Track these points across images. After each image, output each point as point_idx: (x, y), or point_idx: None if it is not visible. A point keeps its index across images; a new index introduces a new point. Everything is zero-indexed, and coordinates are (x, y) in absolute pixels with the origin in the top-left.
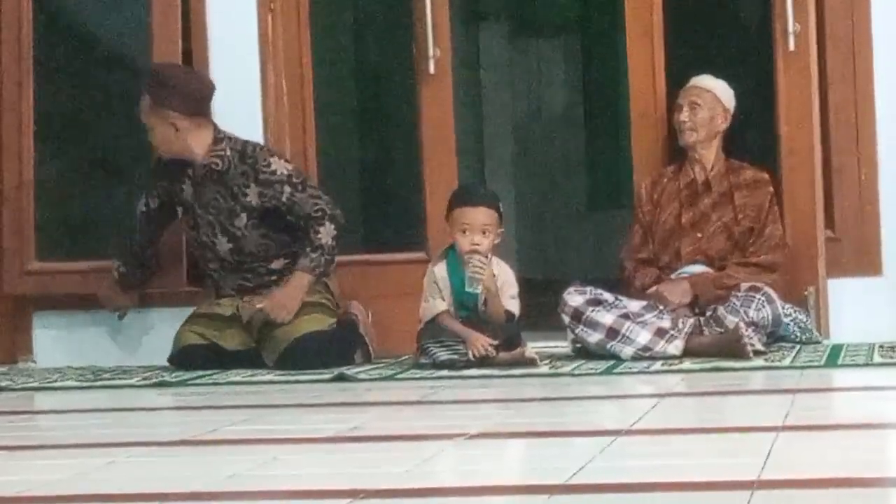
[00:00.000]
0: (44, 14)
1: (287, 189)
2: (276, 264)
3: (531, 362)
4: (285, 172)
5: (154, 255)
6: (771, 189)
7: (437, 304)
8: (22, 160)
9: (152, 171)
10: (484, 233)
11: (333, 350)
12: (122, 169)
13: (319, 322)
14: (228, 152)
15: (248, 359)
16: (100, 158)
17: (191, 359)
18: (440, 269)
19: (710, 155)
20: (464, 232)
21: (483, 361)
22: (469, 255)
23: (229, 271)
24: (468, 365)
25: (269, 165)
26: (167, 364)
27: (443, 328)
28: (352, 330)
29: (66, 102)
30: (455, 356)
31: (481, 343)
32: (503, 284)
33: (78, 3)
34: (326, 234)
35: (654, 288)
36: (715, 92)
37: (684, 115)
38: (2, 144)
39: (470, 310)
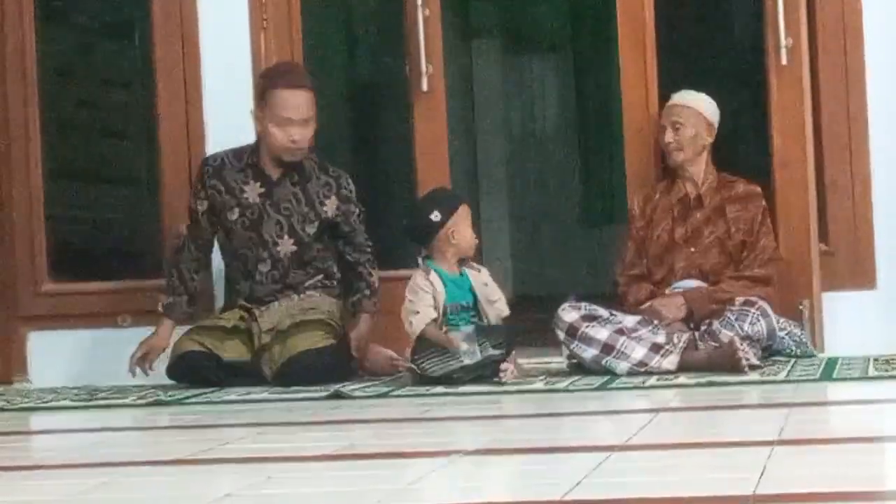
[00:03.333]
0: (48, 43)
1: (355, 212)
2: (311, 281)
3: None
4: (356, 198)
5: (199, 272)
6: (763, 202)
7: (430, 312)
8: (31, 185)
9: (201, 172)
10: None
11: (330, 368)
12: (131, 191)
13: (318, 339)
14: (312, 162)
15: (246, 371)
16: (109, 181)
17: (189, 366)
18: (435, 279)
19: (699, 170)
20: (470, 226)
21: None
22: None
23: (275, 279)
24: (464, 377)
25: (349, 184)
26: (166, 376)
27: (430, 341)
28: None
29: (73, 128)
30: (450, 367)
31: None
32: (489, 284)
33: (81, 31)
34: (376, 277)
35: (648, 303)
36: (696, 108)
37: (669, 136)
38: (11, 170)
39: (464, 310)
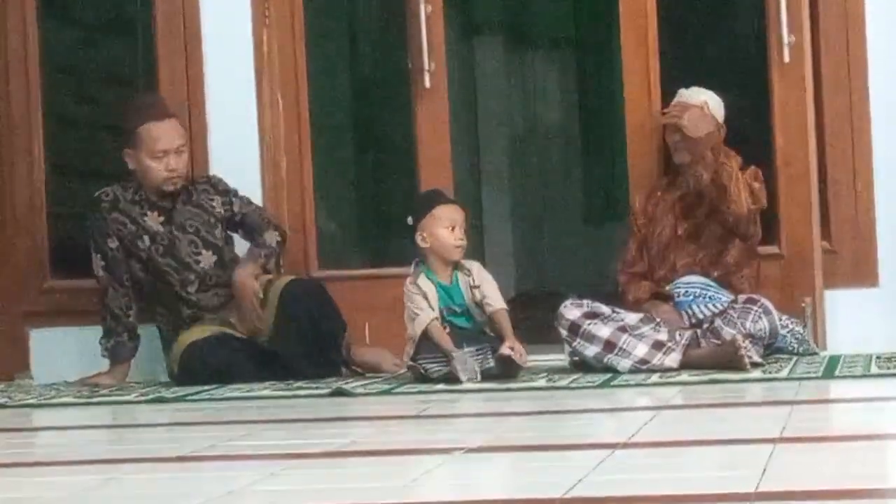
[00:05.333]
0: (51, 39)
1: (236, 201)
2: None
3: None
4: (232, 187)
5: (132, 308)
6: (739, 159)
7: (429, 311)
8: (34, 182)
9: (99, 210)
10: (465, 231)
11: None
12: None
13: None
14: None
15: (257, 346)
16: (111, 178)
17: (203, 354)
18: (423, 282)
19: (702, 162)
20: (451, 229)
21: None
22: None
23: (207, 290)
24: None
25: (221, 180)
26: (170, 380)
27: (432, 344)
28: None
29: (75, 124)
30: (449, 369)
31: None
32: (482, 284)
33: (83, 27)
34: (271, 237)
35: (647, 303)
36: (703, 105)
37: (678, 135)
38: (14, 166)
39: (457, 314)
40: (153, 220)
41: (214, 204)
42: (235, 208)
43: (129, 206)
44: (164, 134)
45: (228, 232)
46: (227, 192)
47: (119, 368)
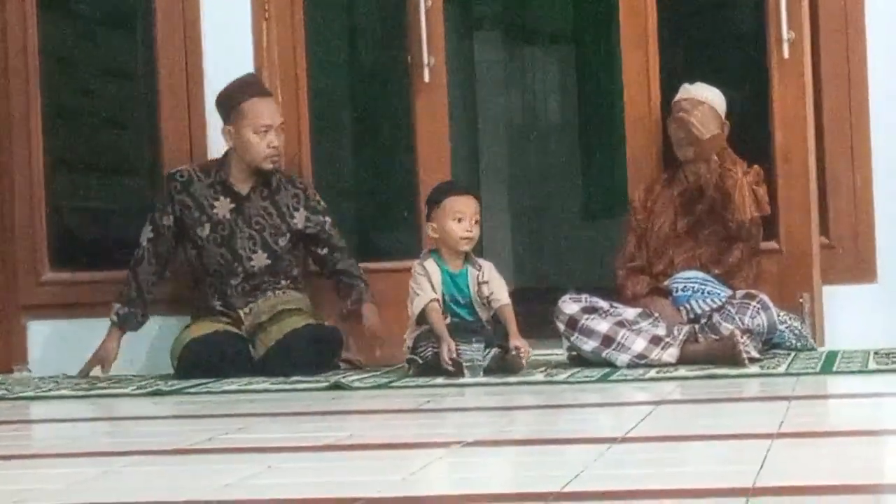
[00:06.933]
0: (50, 32)
1: (328, 220)
2: (284, 283)
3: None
4: (325, 206)
5: (156, 285)
6: (744, 166)
7: (430, 293)
8: (32, 175)
9: (168, 188)
10: (476, 222)
11: (318, 346)
12: (132, 182)
13: (302, 321)
14: (277, 173)
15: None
16: (110, 170)
17: (201, 350)
18: (430, 264)
19: (705, 164)
20: (458, 220)
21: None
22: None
23: (246, 291)
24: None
25: (315, 195)
26: (173, 372)
27: (430, 332)
28: (334, 334)
29: (74, 117)
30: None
31: (448, 357)
32: (491, 281)
33: (83, 20)
34: (355, 265)
35: (646, 298)
36: (710, 103)
37: (683, 132)
38: (13, 159)
39: (461, 305)
40: (222, 207)
41: (295, 215)
42: (326, 227)
43: (201, 190)
44: (267, 109)
45: (305, 246)
46: (318, 212)
47: (115, 337)
